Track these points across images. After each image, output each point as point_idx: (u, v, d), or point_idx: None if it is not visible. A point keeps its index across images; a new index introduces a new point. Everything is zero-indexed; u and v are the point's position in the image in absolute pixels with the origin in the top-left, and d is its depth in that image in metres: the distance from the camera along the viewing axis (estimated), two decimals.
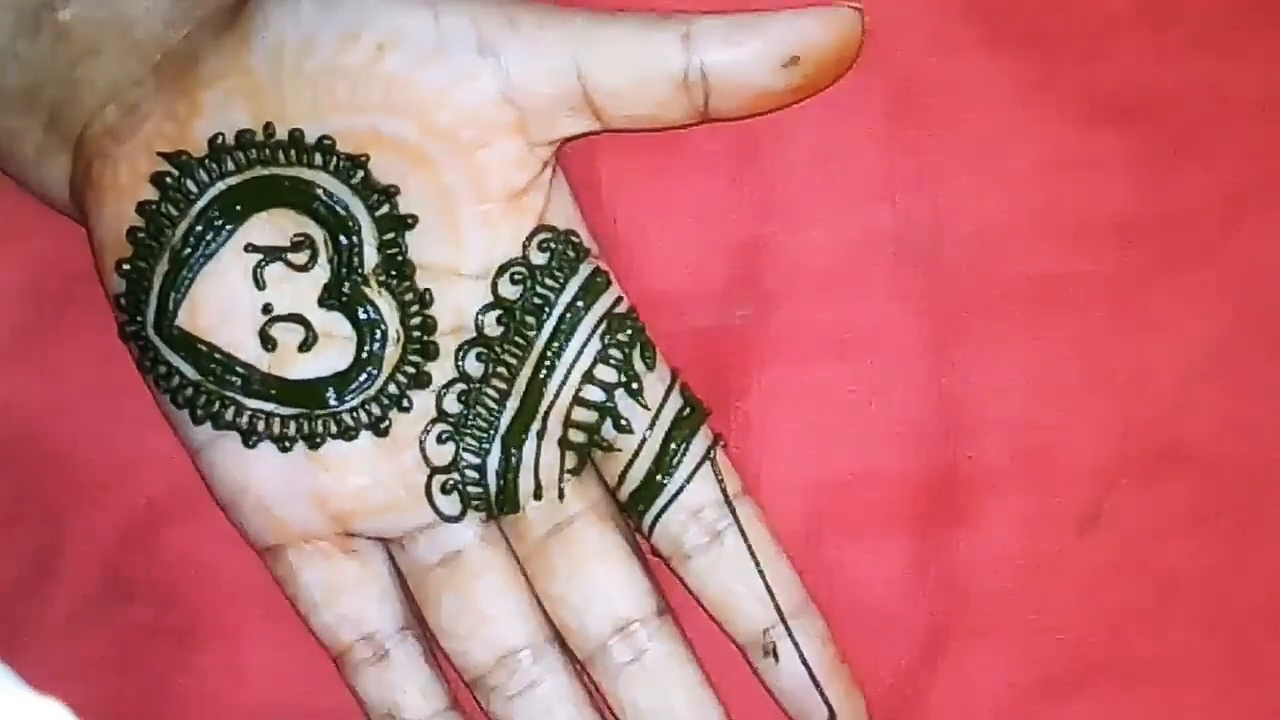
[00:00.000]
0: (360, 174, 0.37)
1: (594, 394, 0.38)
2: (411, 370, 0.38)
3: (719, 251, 0.41)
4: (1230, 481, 0.41)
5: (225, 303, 0.38)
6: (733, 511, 0.39)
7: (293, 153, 0.37)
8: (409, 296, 0.38)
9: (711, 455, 0.39)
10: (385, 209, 0.37)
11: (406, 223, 0.37)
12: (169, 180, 0.37)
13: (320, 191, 0.37)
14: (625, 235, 0.40)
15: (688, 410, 0.39)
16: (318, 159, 0.37)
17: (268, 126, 0.37)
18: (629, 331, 0.38)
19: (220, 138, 0.37)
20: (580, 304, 0.38)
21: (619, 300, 0.39)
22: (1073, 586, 0.41)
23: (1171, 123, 0.41)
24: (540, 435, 0.38)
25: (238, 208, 0.37)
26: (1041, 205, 0.41)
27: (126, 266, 0.38)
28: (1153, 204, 0.41)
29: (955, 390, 0.41)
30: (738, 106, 0.37)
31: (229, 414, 0.38)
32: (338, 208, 0.37)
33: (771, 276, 0.41)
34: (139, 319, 0.38)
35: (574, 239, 0.38)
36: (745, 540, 0.39)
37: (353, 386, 0.38)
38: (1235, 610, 0.41)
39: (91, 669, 0.41)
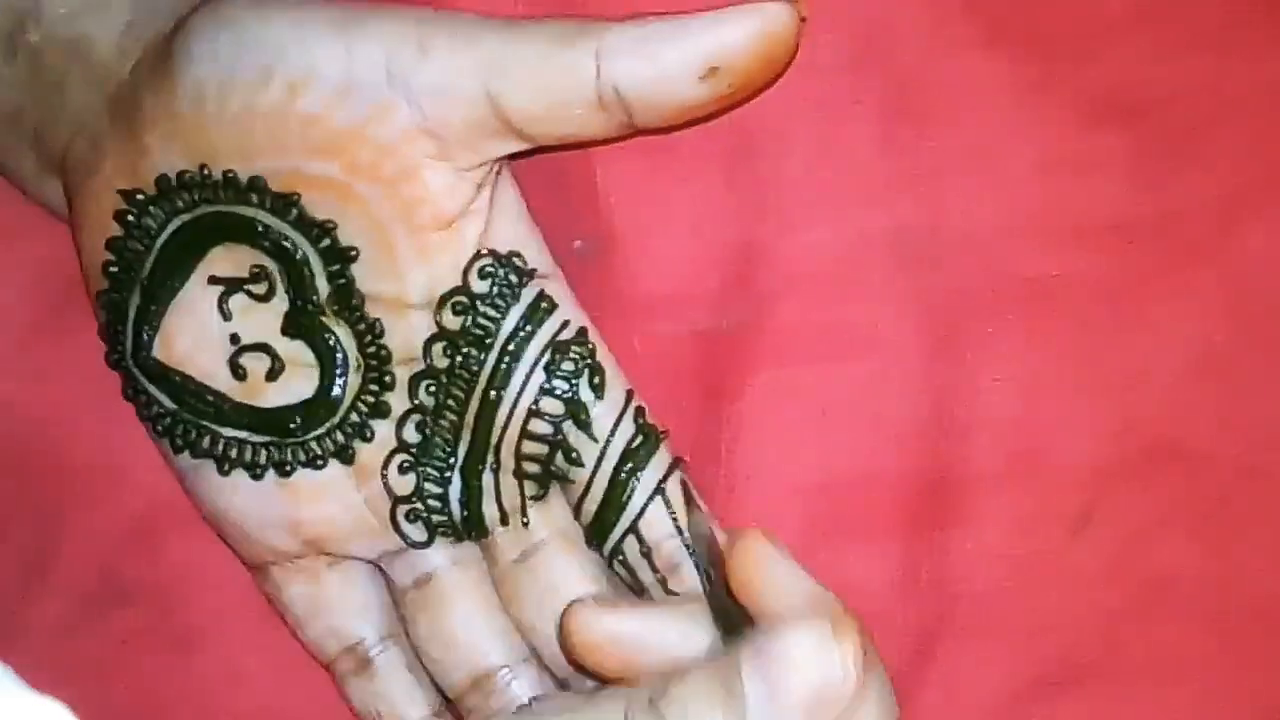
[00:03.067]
0: (294, 211, 0.36)
1: (541, 427, 0.37)
2: (371, 400, 0.38)
3: (714, 253, 0.41)
4: (1224, 481, 0.41)
5: (196, 334, 0.37)
6: (686, 545, 0.37)
7: (229, 192, 0.36)
8: (361, 326, 0.37)
9: (662, 488, 0.38)
10: (326, 242, 0.37)
11: (348, 255, 0.37)
12: (130, 218, 0.37)
13: (261, 228, 0.37)
14: (621, 237, 0.40)
15: (639, 439, 0.38)
16: (253, 198, 0.36)
17: (203, 168, 0.36)
18: (574, 360, 0.37)
19: (165, 179, 0.37)
20: (523, 333, 0.37)
21: (565, 325, 0.38)
22: (1066, 586, 0.41)
23: (1171, 123, 0.40)
24: (495, 468, 0.38)
25: (194, 243, 0.37)
26: (1039, 205, 0.40)
27: (104, 299, 0.38)
28: (1151, 204, 0.40)
29: (949, 391, 0.41)
30: (663, 119, 0.35)
31: (205, 442, 0.38)
32: (283, 242, 0.37)
33: (767, 278, 0.41)
34: (119, 349, 0.38)
35: (517, 262, 0.37)
36: (702, 573, 0.36)
37: (318, 414, 0.38)
38: (1228, 610, 0.41)
39: (87, 672, 0.41)
